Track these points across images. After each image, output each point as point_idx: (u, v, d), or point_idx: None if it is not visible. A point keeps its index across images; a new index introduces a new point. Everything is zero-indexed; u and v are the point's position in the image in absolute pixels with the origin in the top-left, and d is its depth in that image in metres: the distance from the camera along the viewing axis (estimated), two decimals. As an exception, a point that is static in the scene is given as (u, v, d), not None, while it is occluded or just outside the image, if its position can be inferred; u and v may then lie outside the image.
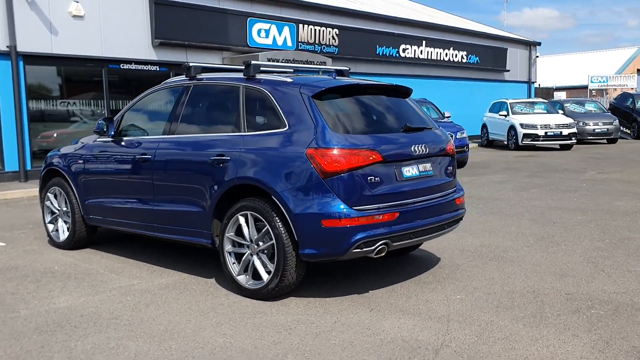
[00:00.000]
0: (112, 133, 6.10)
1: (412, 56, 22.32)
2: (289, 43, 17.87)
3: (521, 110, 21.20)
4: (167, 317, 4.47)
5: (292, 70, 5.96)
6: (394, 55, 21.52)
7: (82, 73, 14.25)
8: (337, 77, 5.75)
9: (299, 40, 18.11)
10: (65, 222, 6.70)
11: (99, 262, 6.13)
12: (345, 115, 4.85)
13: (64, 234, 6.69)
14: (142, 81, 14.87)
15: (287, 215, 4.55)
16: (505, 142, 21.17)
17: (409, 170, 4.90)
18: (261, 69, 5.36)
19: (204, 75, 5.61)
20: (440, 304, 4.65)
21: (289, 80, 5.02)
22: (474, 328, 4.13)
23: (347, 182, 4.48)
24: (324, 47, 18.88)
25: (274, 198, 4.63)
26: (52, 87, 13.85)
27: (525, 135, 19.92)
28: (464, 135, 15.00)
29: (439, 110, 16.26)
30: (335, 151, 4.47)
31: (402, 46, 21.83)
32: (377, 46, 20.81)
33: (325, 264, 5.69)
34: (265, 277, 4.74)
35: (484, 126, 22.69)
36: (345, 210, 4.45)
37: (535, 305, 4.56)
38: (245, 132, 4.99)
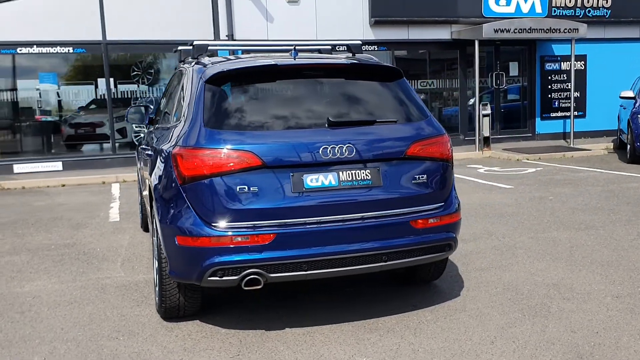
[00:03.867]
0: (146, 121, 6.10)
1: None
2: (538, 9, 15.39)
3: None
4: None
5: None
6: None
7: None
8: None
9: (553, 4, 15.47)
10: None
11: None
12: (241, 106, 3.85)
13: None
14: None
15: (157, 226, 3.90)
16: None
17: (316, 179, 3.66)
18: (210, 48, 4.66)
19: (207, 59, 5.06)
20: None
21: (207, 62, 4.22)
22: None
23: (206, 191, 3.56)
24: (588, 11, 15.77)
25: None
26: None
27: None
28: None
29: None
30: (196, 152, 3.59)
31: None
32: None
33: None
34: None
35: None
36: (200, 226, 3.56)
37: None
38: (168, 124, 4.44)
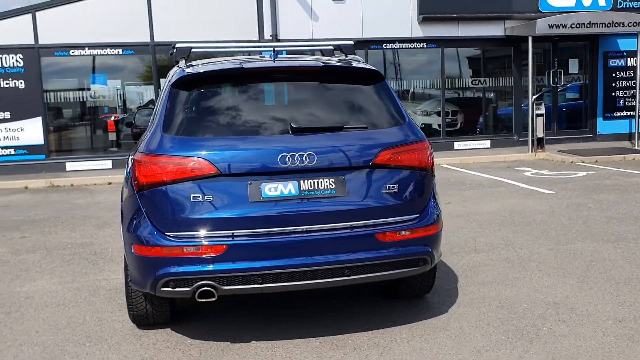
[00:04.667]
0: None
1: None
2: (602, 2, 14.47)
3: None
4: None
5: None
6: None
7: (342, 55, 14.53)
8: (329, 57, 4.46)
9: (618, -4, 14.53)
10: None
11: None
12: (203, 112, 3.72)
13: None
14: (407, 60, 14.29)
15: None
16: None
17: (274, 188, 3.50)
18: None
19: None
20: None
21: (183, 65, 4.12)
22: None
23: (161, 199, 3.46)
24: (659, 2, 14.71)
25: None
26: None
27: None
28: None
29: None
30: (152, 159, 3.50)
31: None
32: None
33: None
34: None
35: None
36: (154, 236, 3.47)
37: None
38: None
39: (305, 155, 3.49)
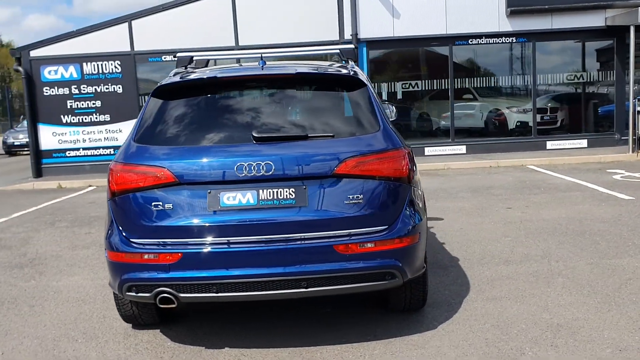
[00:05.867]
0: None
1: None
2: None
3: None
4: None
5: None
6: None
7: (425, 53, 14.12)
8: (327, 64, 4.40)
9: None
10: None
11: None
12: (174, 121, 3.78)
13: None
14: (495, 56, 13.63)
15: None
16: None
17: (233, 197, 3.49)
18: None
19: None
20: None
21: (172, 73, 4.23)
22: None
23: (126, 206, 3.58)
24: None
25: None
26: (393, 69, 14.27)
27: None
28: None
29: None
30: (120, 167, 3.63)
31: None
32: None
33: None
34: None
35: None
36: (120, 242, 3.60)
37: None
38: None
39: (262, 164, 3.46)
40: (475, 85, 14.25)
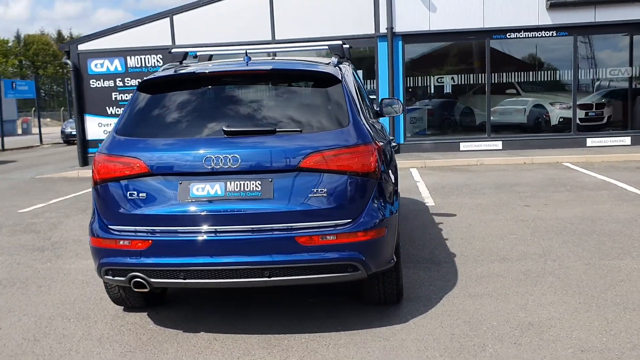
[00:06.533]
0: None
1: None
2: None
3: None
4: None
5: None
6: None
7: (460, 47, 13.91)
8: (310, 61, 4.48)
9: None
10: None
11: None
12: (153, 114, 3.96)
13: None
14: (534, 50, 13.30)
15: None
16: None
17: (202, 188, 3.65)
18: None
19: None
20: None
21: (162, 68, 4.42)
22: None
23: (105, 195, 3.80)
24: None
25: None
26: (428, 63, 14.12)
27: None
28: None
29: None
30: (101, 157, 3.85)
31: None
32: None
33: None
34: None
35: None
36: (99, 228, 3.82)
37: None
38: None
39: (229, 157, 3.60)
40: (514, 80, 13.97)
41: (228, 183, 3.64)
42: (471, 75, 13.91)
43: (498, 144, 13.66)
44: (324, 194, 3.62)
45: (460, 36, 13.60)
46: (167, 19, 14.26)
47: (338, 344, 3.77)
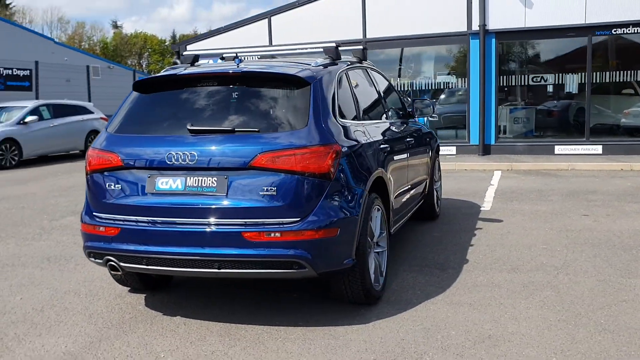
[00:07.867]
0: None
1: None
2: None
3: None
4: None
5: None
6: None
7: (559, 44, 13.04)
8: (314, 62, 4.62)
9: None
10: None
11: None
12: (137, 113, 4.33)
13: None
14: (643, 47, 12.18)
15: None
16: None
17: (166, 182, 3.93)
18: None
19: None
20: None
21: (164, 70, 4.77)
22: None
23: (91, 184, 4.23)
24: None
25: None
26: (523, 61, 13.36)
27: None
28: None
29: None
30: (92, 152, 4.29)
31: None
32: None
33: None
34: None
35: None
36: (86, 214, 4.26)
37: None
38: None
39: (188, 154, 3.85)
40: (619, 80, 12.90)
41: (188, 178, 3.89)
42: (569, 74, 13.04)
43: (598, 148, 12.70)
44: (273, 192, 3.75)
45: (559, 32, 12.79)
46: (265, 20, 14.87)
47: (288, 338, 3.89)
